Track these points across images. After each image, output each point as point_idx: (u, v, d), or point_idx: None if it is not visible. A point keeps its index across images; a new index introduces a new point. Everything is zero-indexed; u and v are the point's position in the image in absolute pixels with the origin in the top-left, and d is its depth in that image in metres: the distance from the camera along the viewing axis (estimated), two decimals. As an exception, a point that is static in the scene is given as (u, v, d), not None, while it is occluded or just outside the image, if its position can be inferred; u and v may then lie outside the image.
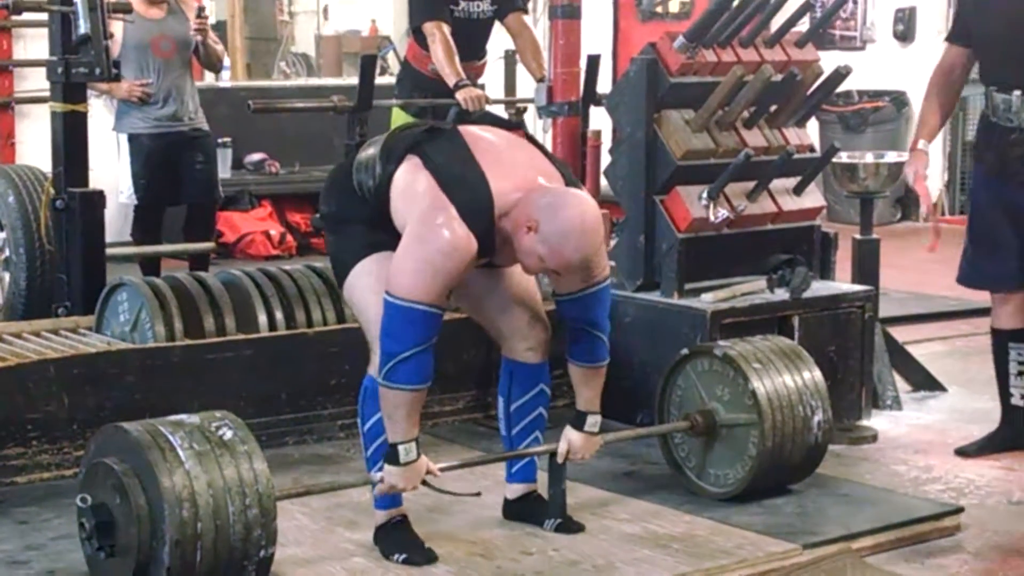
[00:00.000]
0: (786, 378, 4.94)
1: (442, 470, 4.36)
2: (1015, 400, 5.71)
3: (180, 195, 7.91)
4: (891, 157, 6.58)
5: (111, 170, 8.38)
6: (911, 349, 6.83)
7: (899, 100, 12.15)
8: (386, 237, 4.24)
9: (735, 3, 5.78)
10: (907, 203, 12.15)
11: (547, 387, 4.59)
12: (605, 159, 6.20)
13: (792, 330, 5.72)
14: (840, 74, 5.88)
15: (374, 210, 4.28)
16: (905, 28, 12.25)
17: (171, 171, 7.82)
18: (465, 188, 4.15)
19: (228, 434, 3.99)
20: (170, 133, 7.79)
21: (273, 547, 3.96)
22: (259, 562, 3.94)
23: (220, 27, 12.05)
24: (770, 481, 4.96)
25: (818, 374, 5.03)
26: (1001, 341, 5.73)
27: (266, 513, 3.92)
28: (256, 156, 10.70)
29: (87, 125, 6.46)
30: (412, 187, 4.20)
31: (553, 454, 4.58)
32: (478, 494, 4.60)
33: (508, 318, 4.51)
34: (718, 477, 4.98)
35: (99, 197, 6.36)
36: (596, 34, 10.49)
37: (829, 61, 6.06)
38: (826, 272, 6.17)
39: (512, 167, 4.25)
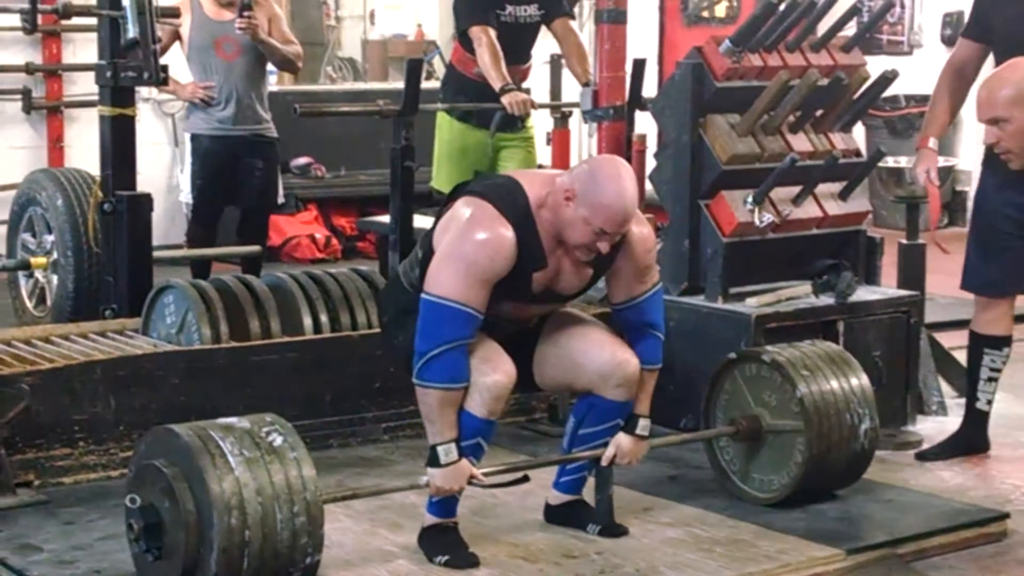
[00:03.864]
0: (833, 385, 4.91)
1: (485, 475, 4.37)
2: (980, 404, 5.71)
3: (236, 198, 7.91)
4: (944, 162, 6.54)
5: (164, 170, 8.58)
6: (957, 355, 6.78)
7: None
8: None
9: (781, 7, 5.77)
10: (954, 208, 12.07)
11: (622, 421, 4.56)
12: (650, 163, 6.20)
13: (837, 335, 5.70)
14: (887, 79, 5.86)
15: None
16: (953, 33, 12.16)
17: (229, 174, 7.81)
18: (498, 188, 4.25)
19: (278, 440, 4.00)
20: (230, 136, 7.77)
21: (319, 554, 3.97)
22: (304, 569, 3.95)
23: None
24: (815, 488, 4.94)
25: (866, 381, 5.01)
26: (977, 345, 5.71)
27: (313, 520, 3.93)
28: (302, 160, 10.74)
29: (135, 129, 6.51)
30: (454, 213, 4.27)
31: (599, 459, 4.58)
32: (525, 478, 4.56)
33: (593, 360, 4.45)
34: (762, 482, 4.97)
35: (146, 200, 6.40)
36: (642, 38, 10.47)
37: (876, 66, 6.05)
38: (872, 277, 6.15)
39: (543, 176, 4.37)
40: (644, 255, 4.40)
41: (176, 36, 7.79)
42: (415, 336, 4.19)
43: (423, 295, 4.16)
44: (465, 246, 4.15)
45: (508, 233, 4.15)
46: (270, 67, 8.14)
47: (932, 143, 5.70)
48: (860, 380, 4.99)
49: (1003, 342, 5.67)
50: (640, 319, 4.44)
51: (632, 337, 4.46)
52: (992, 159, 5.59)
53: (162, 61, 7.68)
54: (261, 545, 3.86)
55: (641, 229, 4.37)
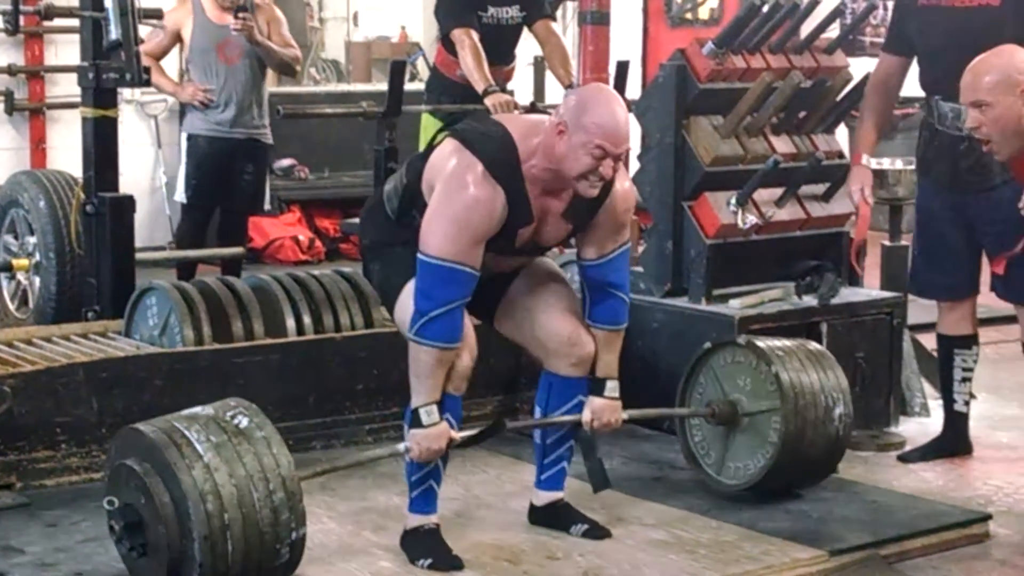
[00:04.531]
0: (809, 370, 4.91)
1: (466, 440, 4.40)
2: (958, 406, 5.73)
3: (226, 201, 7.91)
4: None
5: (148, 172, 8.58)
6: (940, 356, 6.81)
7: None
8: None
9: (764, 9, 5.78)
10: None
11: (584, 398, 4.58)
12: (634, 165, 6.20)
13: (820, 336, 5.71)
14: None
15: (412, 231, 4.28)
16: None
17: (222, 176, 7.81)
18: (488, 141, 4.24)
19: (244, 422, 3.99)
20: (226, 138, 7.76)
21: (304, 527, 3.95)
22: (292, 544, 3.93)
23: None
24: (790, 474, 4.92)
25: (840, 373, 5.01)
26: (946, 347, 5.73)
27: (291, 496, 3.91)
28: (285, 162, 10.73)
29: (118, 130, 6.49)
30: (440, 157, 4.28)
31: (579, 425, 4.55)
32: (503, 424, 4.56)
33: (552, 335, 4.49)
34: (737, 469, 4.96)
35: (129, 202, 6.38)
36: (625, 40, 10.48)
37: (859, 67, 6.06)
38: (854, 278, 6.16)
39: (531, 123, 4.36)
40: (624, 212, 4.42)
41: (177, 38, 7.80)
42: (415, 295, 4.20)
43: (420, 255, 4.17)
44: (457, 207, 4.15)
45: (499, 195, 4.17)
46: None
47: (865, 159, 5.70)
48: (835, 372, 4.98)
49: (971, 340, 5.69)
50: (607, 278, 4.45)
51: (597, 296, 4.47)
52: (928, 162, 5.60)
53: (162, 63, 7.80)
54: (243, 527, 3.84)
55: (624, 184, 4.40)
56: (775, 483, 4.93)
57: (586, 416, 4.53)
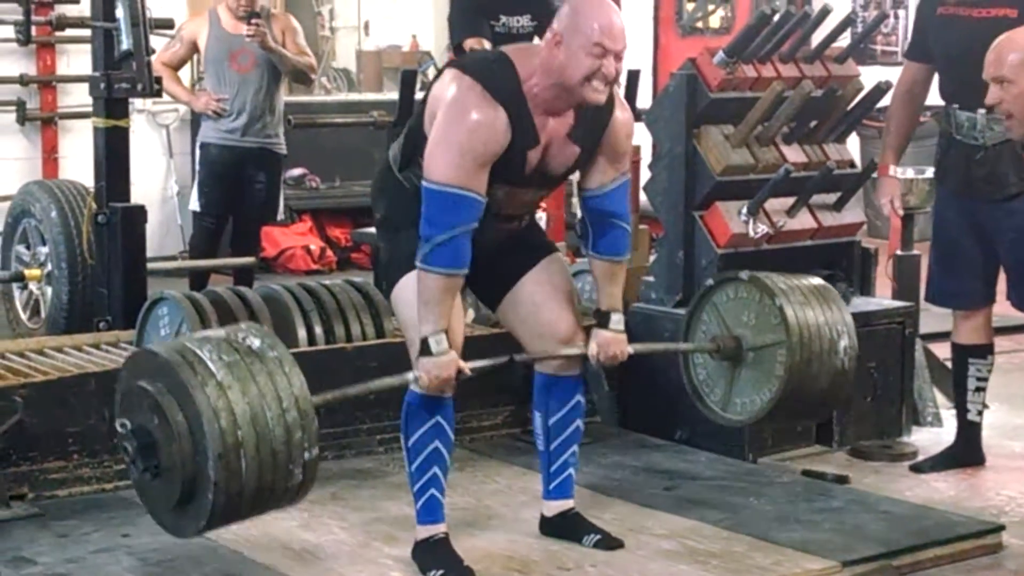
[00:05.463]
0: (813, 304, 4.78)
1: (474, 371, 4.33)
2: (971, 416, 5.71)
3: (239, 210, 7.92)
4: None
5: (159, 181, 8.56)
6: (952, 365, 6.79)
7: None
8: None
9: (775, 18, 5.77)
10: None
11: (583, 399, 4.59)
12: (644, 174, 6.20)
13: (832, 346, 5.70)
14: (880, 90, 5.86)
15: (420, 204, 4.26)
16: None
17: (234, 184, 7.82)
18: (487, 66, 4.26)
19: (256, 343, 3.94)
20: (237, 147, 7.78)
21: (316, 449, 3.89)
22: (305, 464, 3.87)
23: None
24: (796, 407, 4.80)
25: (844, 308, 4.86)
26: (961, 357, 5.72)
27: (304, 415, 3.86)
28: (296, 171, 10.74)
29: (129, 140, 6.50)
30: (440, 87, 4.27)
31: (586, 359, 4.52)
32: (511, 360, 4.52)
33: (548, 332, 4.50)
34: (744, 405, 4.82)
35: (140, 212, 6.40)
36: (636, 49, 10.48)
37: (870, 76, 6.05)
38: (866, 288, 6.16)
39: (530, 48, 4.42)
40: (625, 139, 4.44)
41: (194, 48, 7.84)
42: (420, 223, 4.18)
43: (424, 182, 4.17)
44: (459, 131, 4.14)
45: (501, 115, 4.16)
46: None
47: (892, 170, 5.70)
48: (839, 306, 4.81)
49: (986, 350, 5.68)
50: (609, 208, 4.45)
51: (600, 228, 4.47)
52: (944, 171, 5.59)
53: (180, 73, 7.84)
54: (256, 445, 3.78)
55: (624, 113, 4.41)
56: (781, 416, 4.83)
57: (592, 349, 4.49)
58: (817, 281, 4.96)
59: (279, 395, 3.84)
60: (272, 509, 3.99)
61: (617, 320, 4.51)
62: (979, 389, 5.66)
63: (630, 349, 4.55)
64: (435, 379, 4.22)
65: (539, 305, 4.50)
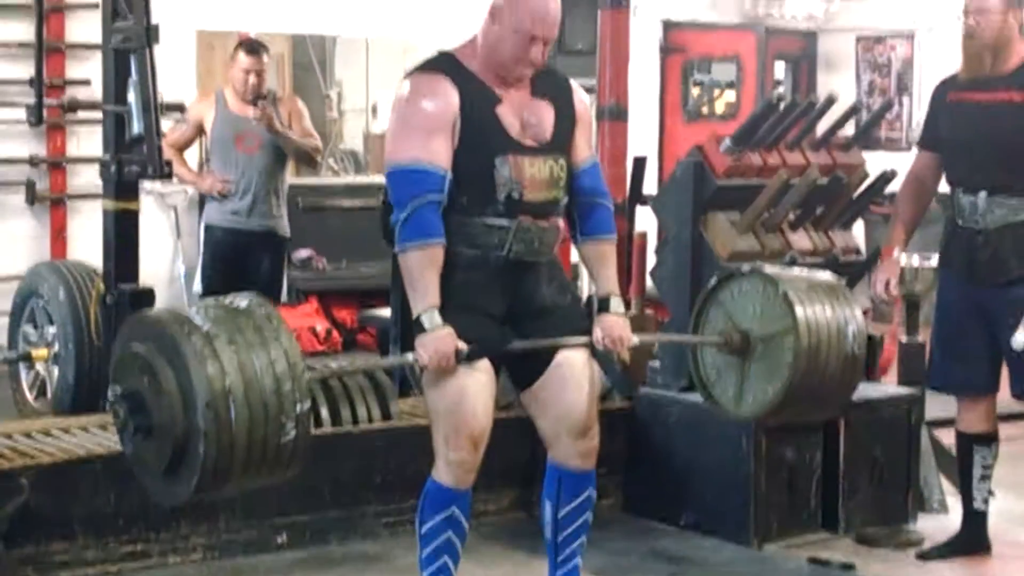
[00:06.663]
0: (818, 293, 4.70)
1: (472, 352, 4.24)
2: (977, 504, 5.68)
3: (242, 291, 7.91)
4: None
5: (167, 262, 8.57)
6: (958, 452, 6.79)
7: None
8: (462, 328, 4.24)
9: (781, 107, 5.82)
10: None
11: (594, 493, 4.55)
12: (651, 260, 6.23)
13: (838, 432, 5.71)
14: (886, 178, 5.91)
15: (445, 290, 4.25)
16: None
17: (237, 266, 7.85)
18: (422, 61, 4.37)
19: (243, 303, 3.92)
20: (241, 229, 7.81)
21: (308, 401, 3.82)
22: (298, 417, 3.80)
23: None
24: (809, 392, 4.66)
25: (850, 297, 4.79)
26: (965, 445, 5.69)
27: (294, 367, 3.79)
28: (303, 252, 10.77)
29: (138, 222, 6.54)
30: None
31: (591, 344, 4.45)
32: (509, 343, 4.38)
33: (565, 424, 4.45)
34: (756, 398, 4.69)
35: (148, 294, 6.42)
36: (642, 134, 10.55)
37: (875, 162, 6.10)
38: (872, 374, 6.15)
39: (474, 37, 4.42)
40: (591, 121, 4.55)
41: (200, 129, 7.90)
42: (392, 202, 4.25)
43: (385, 167, 4.27)
44: (402, 110, 4.24)
45: (441, 80, 4.23)
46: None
47: (896, 253, 5.72)
48: (845, 296, 4.71)
49: (990, 438, 5.67)
50: (589, 184, 4.46)
51: (584, 210, 4.47)
52: (948, 255, 5.61)
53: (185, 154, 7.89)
54: (245, 392, 3.71)
55: (582, 96, 4.49)
56: (794, 407, 4.70)
57: (597, 334, 4.43)
58: (822, 276, 4.88)
59: (267, 346, 3.79)
60: (268, 475, 3.88)
61: (617, 303, 4.47)
62: (984, 477, 5.65)
63: (635, 339, 4.51)
64: (434, 354, 4.16)
65: (560, 389, 4.44)
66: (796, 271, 4.86)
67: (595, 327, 4.45)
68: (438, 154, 4.19)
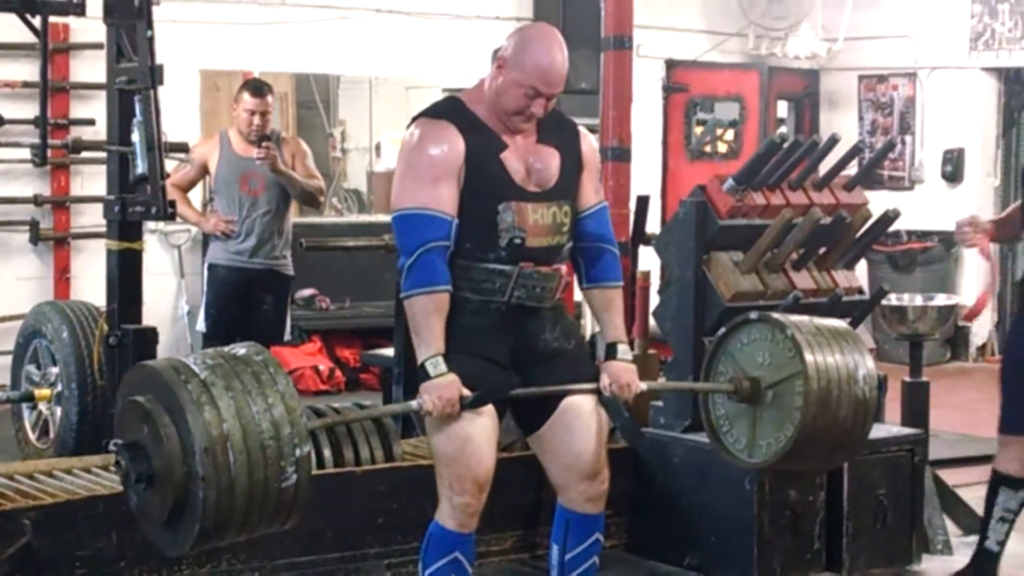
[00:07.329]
0: (826, 336, 4.67)
1: (476, 398, 4.24)
2: (990, 544, 5.62)
3: (246, 331, 7.95)
4: (940, 300, 6.57)
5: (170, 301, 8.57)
6: (962, 492, 6.75)
7: (948, 241, 12.14)
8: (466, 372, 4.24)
9: (784, 146, 5.83)
10: (957, 343, 12.11)
11: (601, 537, 4.54)
12: (654, 300, 6.23)
13: (841, 472, 5.69)
14: (889, 217, 5.90)
15: (450, 334, 4.26)
16: (953, 169, 12.28)
17: (241, 305, 7.88)
18: (429, 106, 4.40)
19: (241, 351, 3.93)
20: (245, 269, 7.85)
21: (308, 446, 3.82)
22: (298, 462, 3.80)
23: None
24: (822, 437, 4.61)
25: (858, 339, 4.73)
26: (994, 483, 5.63)
27: (292, 411, 3.80)
28: (307, 292, 10.78)
29: (142, 262, 6.55)
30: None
31: (599, 392, 4.44)
32: (513, 388, 4.36)
33: (575, 468, 4.45)
34: (769, 445, 4.64)
35: (152, 334, 6.42)
36: (645, 173, 10.56)
37: (878, 201, 6.10)
38: (876, 414, 6.13)
39: (479, 83, 4.44)
40: (598, 166, 4.58)
41: (204, 170, 7.94)
42: (399, 249, 4.27)
43: (391, 212, 4.27)
44: (409, 156, 4.27)
45: (446, 127, 4.25)
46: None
47: (987, 240, 5.70)
48: (853, 339, 4.70)
49: (1020, 484, 5.57)
50: (596, 230, 4.48)
51: (590, 256, 4.49)
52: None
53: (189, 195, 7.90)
54: (243, 438, 3.72)
55: (590, 141, 4.52)
56: (806, 453, 4.63)
57: (604, 381, 4.43)
58: (831, 321, 4.88)
59: (264, 391, 3.80)
60: (270, 521, 3.86)
61: (624, 350, 4.49)
62: (1003, 520, 5.57)
63: (643, 385, 4.51)
64: (439, 401, 4.17)
65: (568, 435, 4.44)
66: (805, 318, 4.84)
67: (602, 373, 4.45)
68: (444, 201, 4.21)
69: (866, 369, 4.66)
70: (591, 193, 4.49)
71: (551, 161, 4.39)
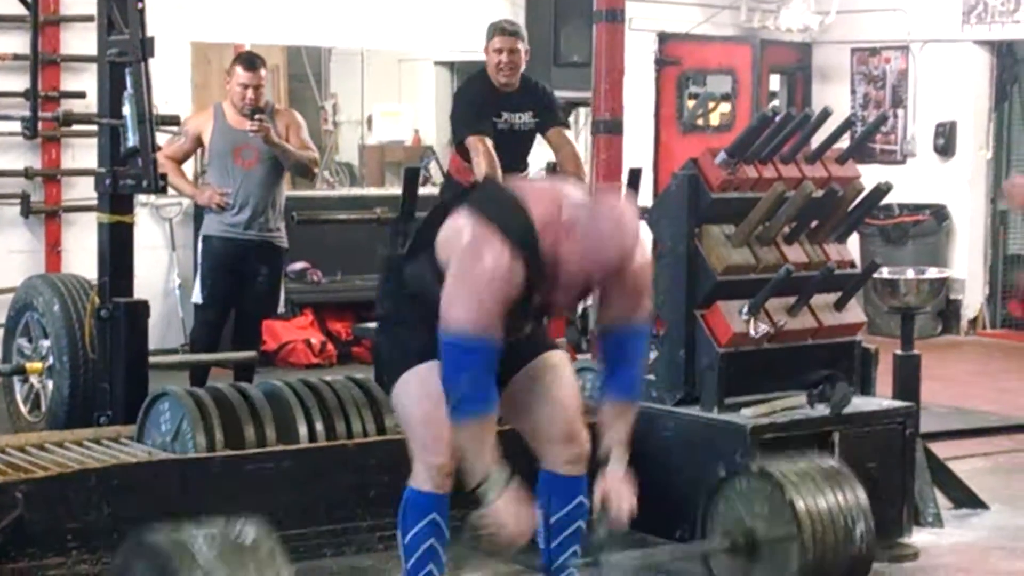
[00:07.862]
0: (826, 492, 4.88)
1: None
2: None
3: (240, 302, 7.97)
4: (932, 273, 6.58)
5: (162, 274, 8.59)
6: (952, 465, 6.78)
7: (940, 213, 12.16)
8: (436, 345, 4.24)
9: (776, 120, 5.82)
10: (948, 316, 12.12)
11: (585, 500, 4.56)
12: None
13: (832, 446, 5.70)
14: (881, 191, 5.90)
15: (427, 309, 4.26)
16: (945, 142, 12.28)
17: (236, 277, 7.90)
18: (504, 212, 4.21)
19: (249, 537, 3.93)
20: (239, 239, 7.86)
21: None
22: None
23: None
24: None
25: (858, 487, 4.97)
26: None
27: None
28: (298, 265, 10.77)
29: (133, 235, 6.54)
30: (455, 230, 4.27)
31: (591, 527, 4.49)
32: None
33: (550, 430, 4.49)
34: None
35: (143, 307, 6.42)
36: (637, 146, 10.55)
37: (870, 174, 6.10)
38: (867, 387, 6.15)
39: (544, 190, 4.38)
40: (643, 281, 4.43)
41: (199, 142, 7.95)
42: (443, 382, 4.17)
43: (441, 334, 4.14)
44: (477, 279, 4.13)
45: (516, 262, 4.14)
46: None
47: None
48: (853, 488, 4.94)
49: None
50: (619, 351, 4.44)
51: (612, 367, 4.46)
52: None
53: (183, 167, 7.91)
54: None
55: (643, 257, 4.39)
56: None
57: (597, 501, 4.40)
58: (829, 463, 5.03)
59: None
60: None
61: (619, 456, 4.43)
62: None
63: (638, 553, 4.62)
64: (511, 528, 4.19)
65: (536, 400, 4.49)
66: (804, 465, 4.95)
67: (595, 486, 4.42)
68: (498, 326, 4.16)
69: (863, 525, 4.87)
70: (624, 310, 4.42)
71: (568, 300, 4.47)
